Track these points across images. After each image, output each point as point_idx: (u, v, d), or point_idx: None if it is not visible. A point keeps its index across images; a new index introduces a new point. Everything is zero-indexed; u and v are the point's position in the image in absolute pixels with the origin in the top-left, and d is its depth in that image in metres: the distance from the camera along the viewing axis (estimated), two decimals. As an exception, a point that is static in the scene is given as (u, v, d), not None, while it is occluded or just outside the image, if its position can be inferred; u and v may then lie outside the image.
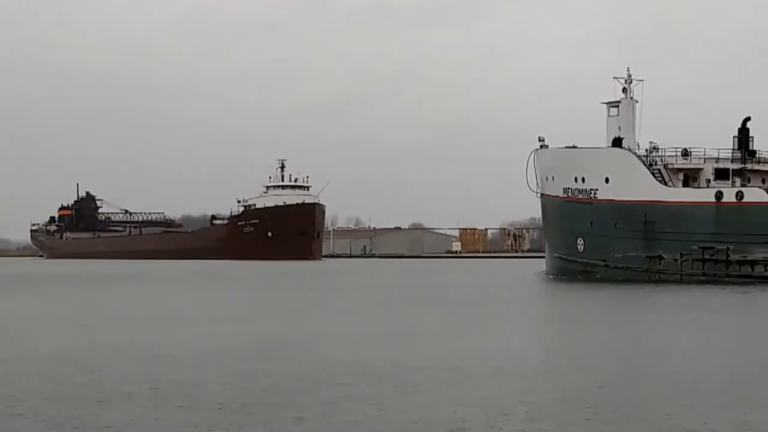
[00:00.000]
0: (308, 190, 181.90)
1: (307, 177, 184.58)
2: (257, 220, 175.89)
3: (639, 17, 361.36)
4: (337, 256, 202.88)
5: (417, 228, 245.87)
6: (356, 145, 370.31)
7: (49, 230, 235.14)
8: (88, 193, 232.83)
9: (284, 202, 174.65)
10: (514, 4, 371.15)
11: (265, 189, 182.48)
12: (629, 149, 79.38)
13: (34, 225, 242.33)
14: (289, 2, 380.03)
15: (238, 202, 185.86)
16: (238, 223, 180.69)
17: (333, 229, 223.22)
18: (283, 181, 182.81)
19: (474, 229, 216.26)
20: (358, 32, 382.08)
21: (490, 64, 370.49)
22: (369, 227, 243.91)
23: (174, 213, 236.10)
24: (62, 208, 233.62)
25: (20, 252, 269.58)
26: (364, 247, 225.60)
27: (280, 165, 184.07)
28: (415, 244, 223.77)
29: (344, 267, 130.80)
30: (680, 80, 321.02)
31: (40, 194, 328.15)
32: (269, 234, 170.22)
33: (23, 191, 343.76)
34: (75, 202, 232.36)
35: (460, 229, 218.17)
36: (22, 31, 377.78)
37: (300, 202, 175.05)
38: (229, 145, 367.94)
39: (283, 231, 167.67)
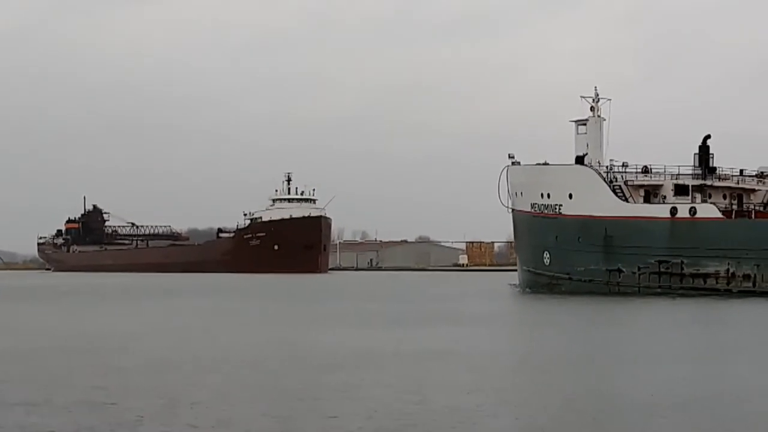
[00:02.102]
0: (315, 202, 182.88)
1: (314, 190, 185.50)
2: (263, 233, 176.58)
3: (653, 32, 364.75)
4: (344, 269, 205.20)
5: (423, 241, 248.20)
6: (364, 158, 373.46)
7: (56, 243, 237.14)
8: (95, 206, 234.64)
9: (290, 215, 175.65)
10: (530, 19, 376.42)
11: (271, 202, 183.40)
12: (590, 166, 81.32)
13: (41, 238, 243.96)
14: (302, 16, 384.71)
15: (245, 215, 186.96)
16: (245, 236, 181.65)
17: (339, 242, 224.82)
18: (289, 193, 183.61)
19: (481, 242, 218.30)
20: (369, 46, 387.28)
21: (502, 78, 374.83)
22: (375, 240, 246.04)
23: (180, 226, 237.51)
24: (69, 221, 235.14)
25: (27, 265, 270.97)
26: (371, 260, 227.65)
27: (287, 178, 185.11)
28: (421, 257, 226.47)
29: (349, 280, 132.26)
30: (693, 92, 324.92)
31: (47, 207, 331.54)
32: (276, 247, 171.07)
33: (30, 204, 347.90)
34: (82, 215, 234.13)
35: (466, 242, 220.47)
36: (34, 44, 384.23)
37: (306, 215, 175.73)
38: (236, 158, 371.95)
39: (289, 244, 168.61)
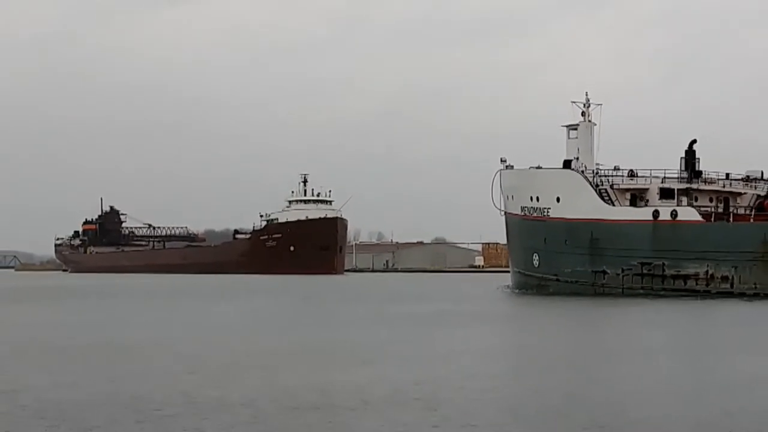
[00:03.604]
0: (331, 204, 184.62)
1: (330, 191, 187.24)
2: (279, 235, 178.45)
3: (679, 35, 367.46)
4: (360, 270, 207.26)
5: (440, 243, 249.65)
6: (382, 160, 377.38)
7: (73, 245, 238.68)
8: (112, 208, 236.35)
9: (306, 217, 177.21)
10: (555, 21, 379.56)
11: (287, 203, 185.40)
12: (577, 171, 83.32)
13: (58, 239, 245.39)
14: (328, 20, 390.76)
15: (261, 216, 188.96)
16: (261, 238, 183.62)
17: (356, 244, 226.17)
18: (305, 195, 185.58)
19: (497, 243, 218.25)
20: (391, 51, 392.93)
21: (524, 80, 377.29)
22: (391, 242, 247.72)
23: (197, 227, 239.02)
24: (86, 222, 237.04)
25: (44, 266, 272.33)
26: (387, 261, 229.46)
27: (303, 179, 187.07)
28: (437, 258, 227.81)
29: (365, 282, 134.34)
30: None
31: (65, 208, 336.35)
32: (291, 248, 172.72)
33: (47, 205, 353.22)
34: (99, 216, 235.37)
35: (482, 243, 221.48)
36: (54, 49, 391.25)
37: (322, 216, 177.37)
38: (254, 160, 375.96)
39: (305, 245, 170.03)
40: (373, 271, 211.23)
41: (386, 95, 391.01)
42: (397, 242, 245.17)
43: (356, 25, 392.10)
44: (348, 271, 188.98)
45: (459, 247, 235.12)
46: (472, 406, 20.77)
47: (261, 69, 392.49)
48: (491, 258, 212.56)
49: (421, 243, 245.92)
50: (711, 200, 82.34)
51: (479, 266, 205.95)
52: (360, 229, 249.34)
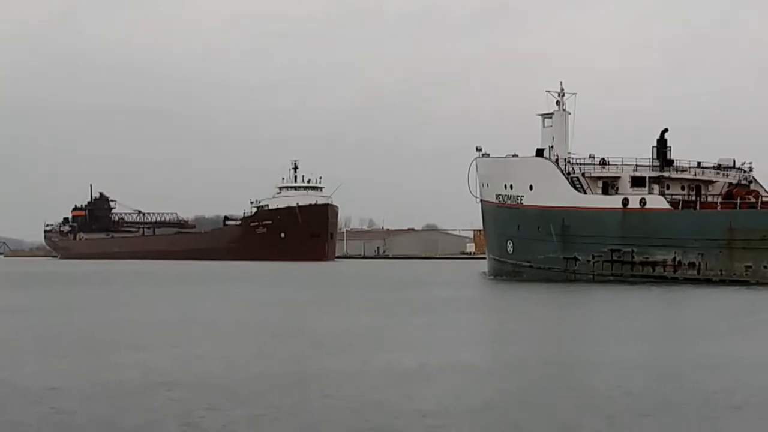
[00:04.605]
0: (321, 190, 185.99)
1: (320, 178, 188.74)
2: (270, 221, 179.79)
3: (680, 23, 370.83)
4: (351, 257, 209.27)
5: (431, 229, 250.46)
6: (374, 148, 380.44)
7: (63, 231, 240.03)
8: (101, 194, 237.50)
9: (297, 203, 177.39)
10: (560, 10, 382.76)
11: (278, 190, 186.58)
12: (549, 159, 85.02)
13: (47, 225, 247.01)
14: (331, 8, 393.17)
15: (251, 203, 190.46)
16: (251, 224, 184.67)
17: (346, 230, 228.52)
18: (296, 181, 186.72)
19: None
20: (394, 40, 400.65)
21: (518, 71, 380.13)
22: (383, 228, 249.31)
23: (187, 214, 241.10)
24: (76, 208, 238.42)
25: (33, 252, 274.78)
26: (378, 248, 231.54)
27: (293, 166, 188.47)
28: (428, 245, 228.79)
29: (352, 268, 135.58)
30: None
31: (54, 195, 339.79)
32: (282, 235, 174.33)
33: (36, 192, 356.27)
34: (88, 202, 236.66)
35: (474, 230, 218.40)
36: (46, 38, 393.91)
37: (313, 202, 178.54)
38: (246, 146, 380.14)
39: (295, 232, 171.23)
40: (364, 257, 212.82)
41: (385, 85, 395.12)
42: (388, 229, 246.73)
43: (359, 15, 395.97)
44: (339, 257, 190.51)
45: (450, 234, 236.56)
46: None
47: (263, 57, 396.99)
48: (482, 244, 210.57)
49: (412, 230, 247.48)
50: (683, 188, 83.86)
51: (470, 253, 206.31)
52: (351, 216, 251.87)
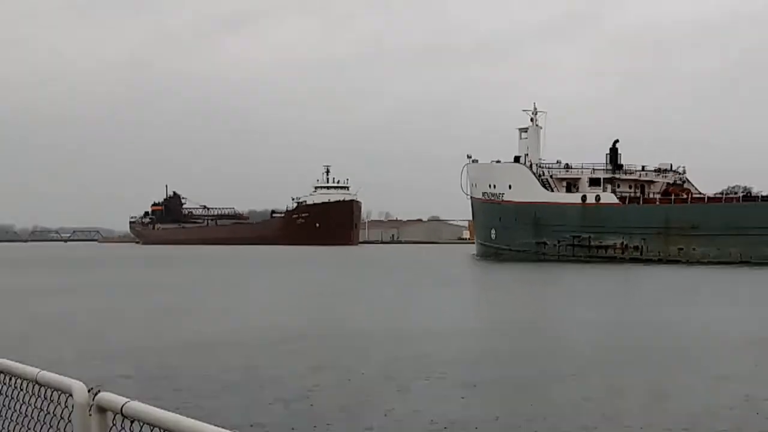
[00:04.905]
0: (348, 189, 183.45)
1: (347, 179, 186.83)
2: (307, 214, 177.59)
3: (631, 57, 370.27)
4: (371, 242, 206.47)
5: (435, 220, 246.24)
6: (393, 156, 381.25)
7: (144, 222, 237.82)
8: (174, 192, 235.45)
9: (329, 200, 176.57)
10: (534, 46, 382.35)
11: (313, 189, 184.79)
12: (524, 165, 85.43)
13: (132, 218, 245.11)
14: (355, 47, 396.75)
15: (293, 199, 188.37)
16: (293, 216, 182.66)
17: (368, 221, 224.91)
18: (328, 182, 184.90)
19: None
20: (405, 71, 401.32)
21: (505, 93, 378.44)
22: (396, 219, 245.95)
23: (242, 208, 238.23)
24: (154, 204, 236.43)
25: (121, 239, 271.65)
26: (393, 235, 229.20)
27: (326, 170, 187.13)
28: (433, 232, 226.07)
29: (373, 251, 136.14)
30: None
31: (137, 193, 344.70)
32: (317, 225, 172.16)
33: (122, 191, 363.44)
34: (164, 199, 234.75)
35: (469, 220, 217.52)
36: (139, 66, 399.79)
37: (341, 199, 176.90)
38: (290, 153, 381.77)
39: (327, 222, 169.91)
40: (381, 242, 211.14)
41: (399, 107, 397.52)
42: (400, 219, 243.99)
43: (376, 52, 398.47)
44: (362, 242, 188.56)
45: (450, 224, 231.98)
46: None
47: (302, 82, 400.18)
48: (474, 232, 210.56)
49: (420, 220, 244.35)
50: (630, 187, 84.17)
51: (466, 238, 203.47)
52: (371, 209, 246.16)
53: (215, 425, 2.63)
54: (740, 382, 15.94)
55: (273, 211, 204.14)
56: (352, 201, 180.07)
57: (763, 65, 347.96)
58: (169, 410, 2.95)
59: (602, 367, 17.95)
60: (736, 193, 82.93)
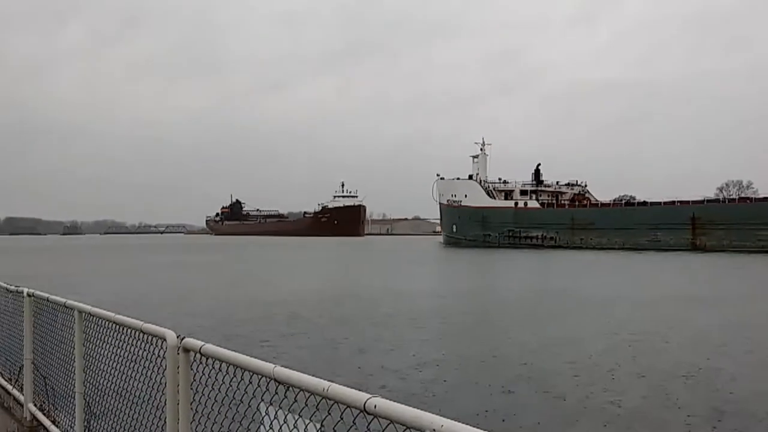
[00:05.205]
0: (357, 197, 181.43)
1: (356, 190, 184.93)
2: (328, 215, 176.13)
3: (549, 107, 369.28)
4: (372, 234, 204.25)
5: (417, 219, 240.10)
6: (390, 173, 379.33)
7: (216, 220, 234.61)
8: (237, 199, 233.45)
9: (344, 204, 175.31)
10: (485, 100, 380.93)
11: (333, 197, 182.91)
12: (476, 181, 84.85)
13: (207, 217, 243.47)
14: (365, 97, 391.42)
15: (318, 204, 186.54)
16: (319, 216, 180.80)
17: (370, 219, 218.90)
18: (343, 192, 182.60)
19: None
20: (401, 116, 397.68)
21: (465, 132, 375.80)
22: (390, 218, 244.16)
23: (283, 210, 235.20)
24: (223, 207, 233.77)
25: (199, 231, 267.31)
26: (387, 229, 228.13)
27: (342, 183, 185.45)
28: (416, 227, 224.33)
29: (374, 240, 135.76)
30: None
31: (212, 199, 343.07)
32: (335, 222, 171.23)
33: (203, 197, 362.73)
34: (230, 204, 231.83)
35: (439, 218, 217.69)
36: (211, 115, 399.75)
37: (352, 204, 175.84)
38: (317, 170, 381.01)
39: (343, 220, 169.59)
40: (379, 234, 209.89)
41: (393, 142, 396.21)
42: (393, 218, 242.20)
43: (380, 100, 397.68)
44: (366, 234, 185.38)
45: (428, 221, 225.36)
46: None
47: (331, 127, 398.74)
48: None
49: (407, 219, 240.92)
50: (548, 196, 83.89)
51: (438, 232, 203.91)
52: (373, 210, 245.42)
53: (266, 361, 2.60)
54: (613, 323, 16.09)
55: (305, 213, 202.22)
56: (360, 205, 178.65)
57: (640, 116, 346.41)
58: (234, 351, 2.92)
59: (528, 317, 17.75)
60: (623, 200, 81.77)
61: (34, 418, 6.05)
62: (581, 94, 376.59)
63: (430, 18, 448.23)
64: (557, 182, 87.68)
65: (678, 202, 70.89)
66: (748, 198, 72.09)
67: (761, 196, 72.35)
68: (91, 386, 4.93)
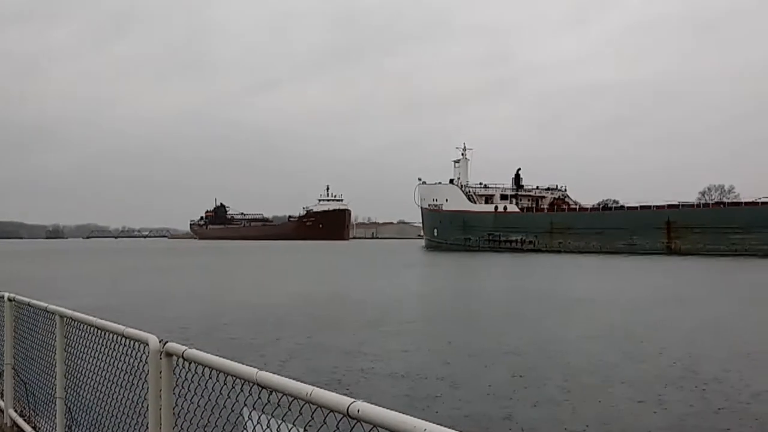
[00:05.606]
0: (342, 201, 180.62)
1: (341, 194, 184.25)
2: (313, 218, 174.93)
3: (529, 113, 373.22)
4: (357, 237, 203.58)
5: (402, 222, 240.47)
6: (376, 178, 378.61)
7: (200, 224, 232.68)
8: (221, 204, 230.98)
9: (329, 208, 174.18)
10: (469, 105, 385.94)
11: (318, 200, 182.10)
12: (456, 184, 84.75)
13: (191, 221, 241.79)
14: (354, 103, 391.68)
15: (303, 208, 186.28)
16: (303, 220, 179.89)
17: (355, 223, 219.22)
18: (328, 196, 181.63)
19: None
20: (382, 122, 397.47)
21: (447, 137, 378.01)
22: (375, 221, 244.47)
23: (268, 214, 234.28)
24: (207, 211, 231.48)
25: (183, 236, 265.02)
26: (372, 233, 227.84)
27: (327, 187, 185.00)
28: (400, 231, 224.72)
29: (358, 243, 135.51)
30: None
31: (196, 202, 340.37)
32: (320, 226, 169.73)
33: (186, 202, 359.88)
34: (214, 208, 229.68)
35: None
36: (198, 115, 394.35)
37: (337, 208, 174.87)
38: (302, 175, 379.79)
39: (328, 224, 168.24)
40: (364, 238, 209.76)
41: (380, 145, 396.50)
42: (378, 222, 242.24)
43: (366, 103, 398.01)
44: (352, 238, 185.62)
45: (412, 225, 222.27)
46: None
47: (317, 130, 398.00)
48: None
49: (392, 223, 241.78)
50: (528, 201, 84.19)
51: (422, 236, 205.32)
52: (358, 214, 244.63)
53: (250, 365, 2.56)
54: (579, 317, 16.63)
55: (290, 216, 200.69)
56: (345, 209, 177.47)
57: (625, 120, 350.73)
58: (216, 355, 2.87)
59: (509, 313, 18.02)
60: (604, 204, 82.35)
61: (15, 424, 5.99)
62: (566, 98, 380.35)
63: (414, 23, 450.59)
64: (537, 187, 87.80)
65: (654, 206, 71.57)
66: (721, 203, 72.99)
67: (734, 200, 73.57)
68: (72, 392, 4.89)
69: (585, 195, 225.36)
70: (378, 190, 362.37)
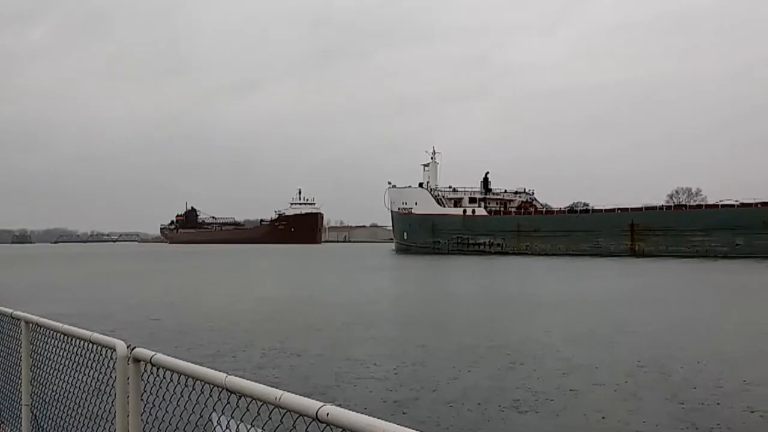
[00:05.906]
0: (314, 204, 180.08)
1: (314, 197, 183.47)
2: (285, 222, 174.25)
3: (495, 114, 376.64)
4: (330, 241, 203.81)
5: (374, 226, 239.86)
6: (350, 183, 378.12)
7: (171, 228, 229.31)
8: (192, 207, 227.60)
9: (301, 212, 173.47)
10: (437, 107, 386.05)
11: (290, 204, 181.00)
12: (426, 188, 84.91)
13: (162, 225, 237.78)
14: (334, 105, 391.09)
15: (275, 211, 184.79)
16: (275, 224, 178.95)
17: (327, 226, 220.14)
18: (300, 200, 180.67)
19: None
20: (359, 124, 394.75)
21: (416, 140, 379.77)
22: (348, 225, 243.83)
23: (239, 218, 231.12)
24: (178, 215, 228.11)
25: (153, 240, 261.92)
26: (345, 236, 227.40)
27: (299, 191, 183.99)
28: (373, 234, 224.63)
29: (331, 247, 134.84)
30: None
31: (167, 207, 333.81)
32: (292, 229, 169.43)
33: (157, 206, 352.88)
34: (185, 212, 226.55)
35: None
36: (172, 121, 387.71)
37: (309, 212, 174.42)
38: (275, 179, 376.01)
39: (300, 228, 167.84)
40: (337, 242, 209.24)
41: (357, 149, 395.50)
42: (350, 225, 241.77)
43: (339, 106, 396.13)
44: (324, 242, 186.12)
45: (384, 229, 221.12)
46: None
47: (289, 132, 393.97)
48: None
49: (364, 226, 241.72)
50: (496, 204, 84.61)
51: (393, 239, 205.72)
52: (330, 218, 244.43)
53: (218, 370, 2.55)
54: (546, 318, 16.85)
55: (261, 220, 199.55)
56: (317, 213, 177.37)
57: (599, 123, 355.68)
58: (185, 360, 2.86)
59: (479, 316, 18.11)
60: (575, 207, 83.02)
61: (-23, 433, 5.81)
62: (538, 100, 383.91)
63: (390, 26, 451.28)
64: (505, 190, 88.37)
65: (618, 209, 72.57)
66: (683, 205, 74.38)
67: (695, 203, 75.94)
68: (38, 399, 4.81)
69: (556, 198, 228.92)
70: (350, 194, 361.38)
